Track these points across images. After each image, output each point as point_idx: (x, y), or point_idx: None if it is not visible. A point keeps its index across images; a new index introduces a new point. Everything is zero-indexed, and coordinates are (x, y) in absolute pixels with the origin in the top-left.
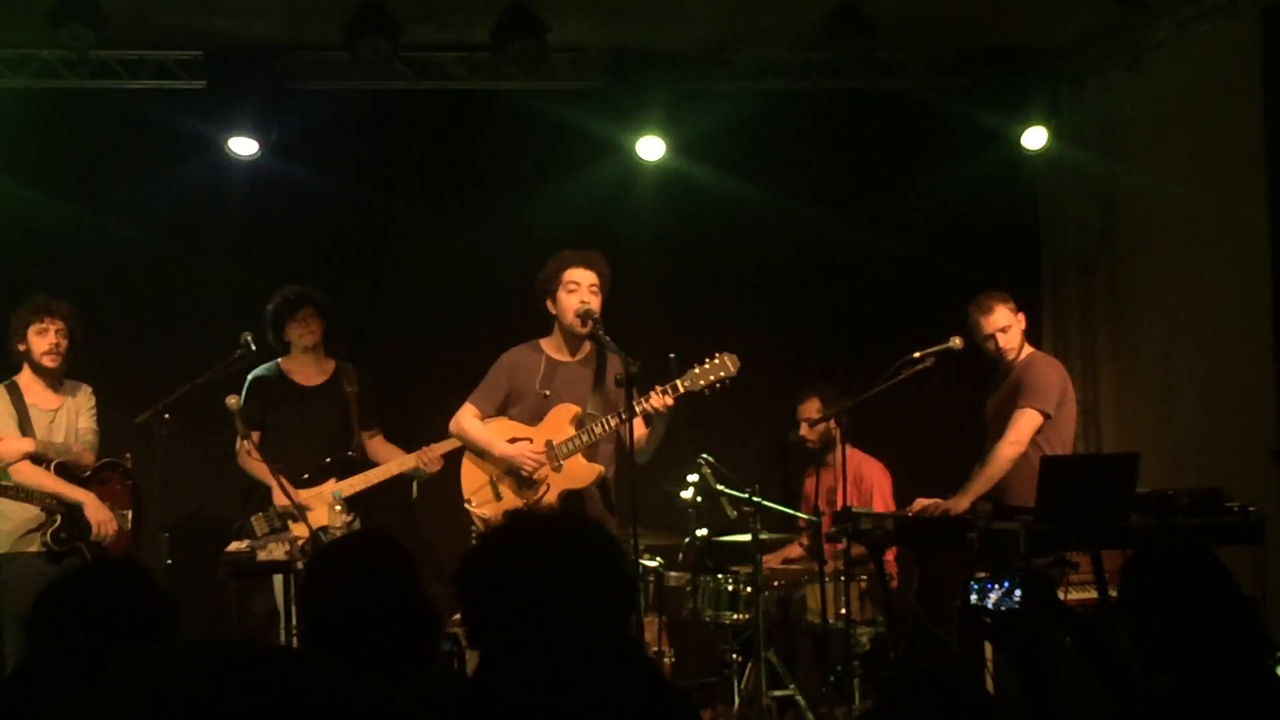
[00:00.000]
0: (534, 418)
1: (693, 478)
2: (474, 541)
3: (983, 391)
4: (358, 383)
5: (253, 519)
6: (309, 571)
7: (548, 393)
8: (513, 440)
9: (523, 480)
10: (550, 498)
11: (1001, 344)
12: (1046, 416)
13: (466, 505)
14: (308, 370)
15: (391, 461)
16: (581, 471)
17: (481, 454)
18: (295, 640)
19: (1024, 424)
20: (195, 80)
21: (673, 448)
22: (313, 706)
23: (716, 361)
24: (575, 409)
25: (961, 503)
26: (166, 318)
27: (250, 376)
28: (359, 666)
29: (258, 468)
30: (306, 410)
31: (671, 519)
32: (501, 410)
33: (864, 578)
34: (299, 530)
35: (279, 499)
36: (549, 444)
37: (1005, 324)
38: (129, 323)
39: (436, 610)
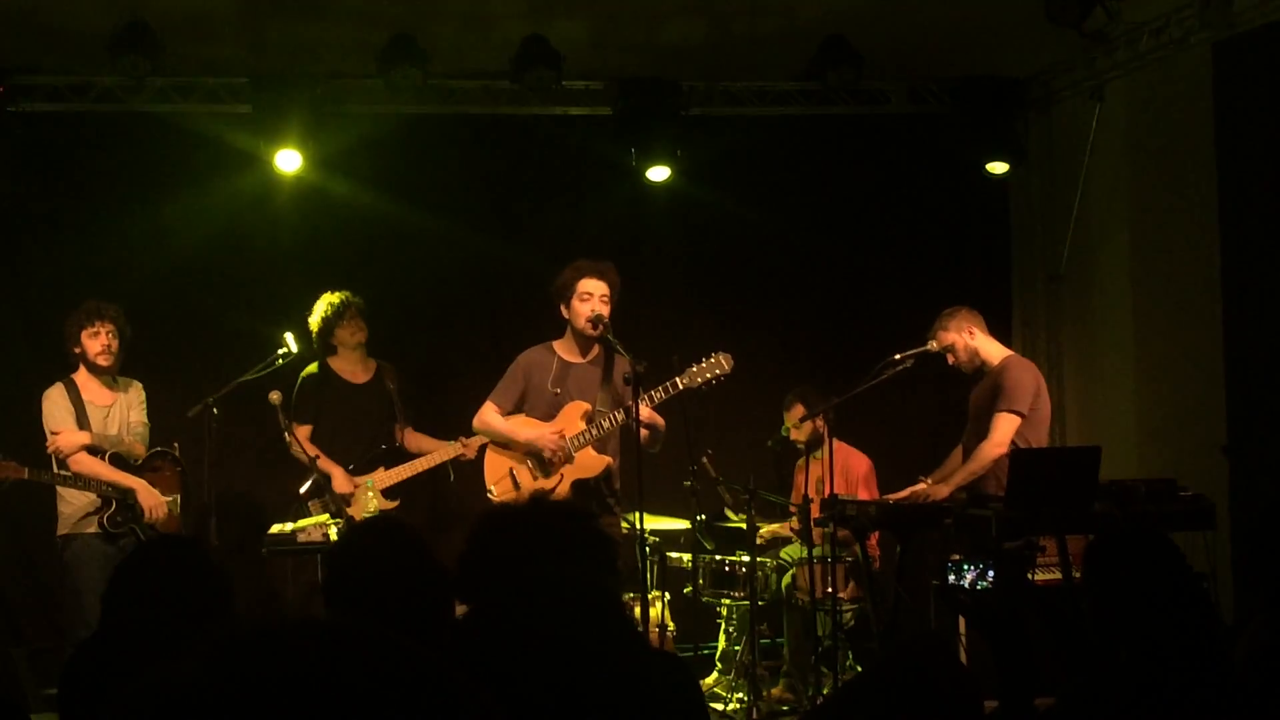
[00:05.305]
0: (547, 415)
1: (694, 469)
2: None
3: (957, 389)
4: (397, 380)
5: (310, 505)
6: (330, 564)
7: (559, 391)
8: None
9: (538, 470)
10: (564, 487)
11: (950, 361)
12: (1022, 416)
13: (489, 494)
14: (354, 369)
15: (435, 451)
16: (592, 463)
17: (506, 444)
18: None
19: (1004, 427)
20: (242, 104)
21: (678, 443)
22: (363, 670)
23: (713, 360)
24: (586, 405)
25: (942, 490)
26: (216, 319)
27: (301, 376)
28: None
29: (305, 458)
30: (353, 406)
31: (675, 505)
32: (518, 407)
33: (849, 559)
34: (353, 513)
35: (339, 486)
36: (562, 437)
37: (949, 342)
38: (182, 324)
39: (448, 578)
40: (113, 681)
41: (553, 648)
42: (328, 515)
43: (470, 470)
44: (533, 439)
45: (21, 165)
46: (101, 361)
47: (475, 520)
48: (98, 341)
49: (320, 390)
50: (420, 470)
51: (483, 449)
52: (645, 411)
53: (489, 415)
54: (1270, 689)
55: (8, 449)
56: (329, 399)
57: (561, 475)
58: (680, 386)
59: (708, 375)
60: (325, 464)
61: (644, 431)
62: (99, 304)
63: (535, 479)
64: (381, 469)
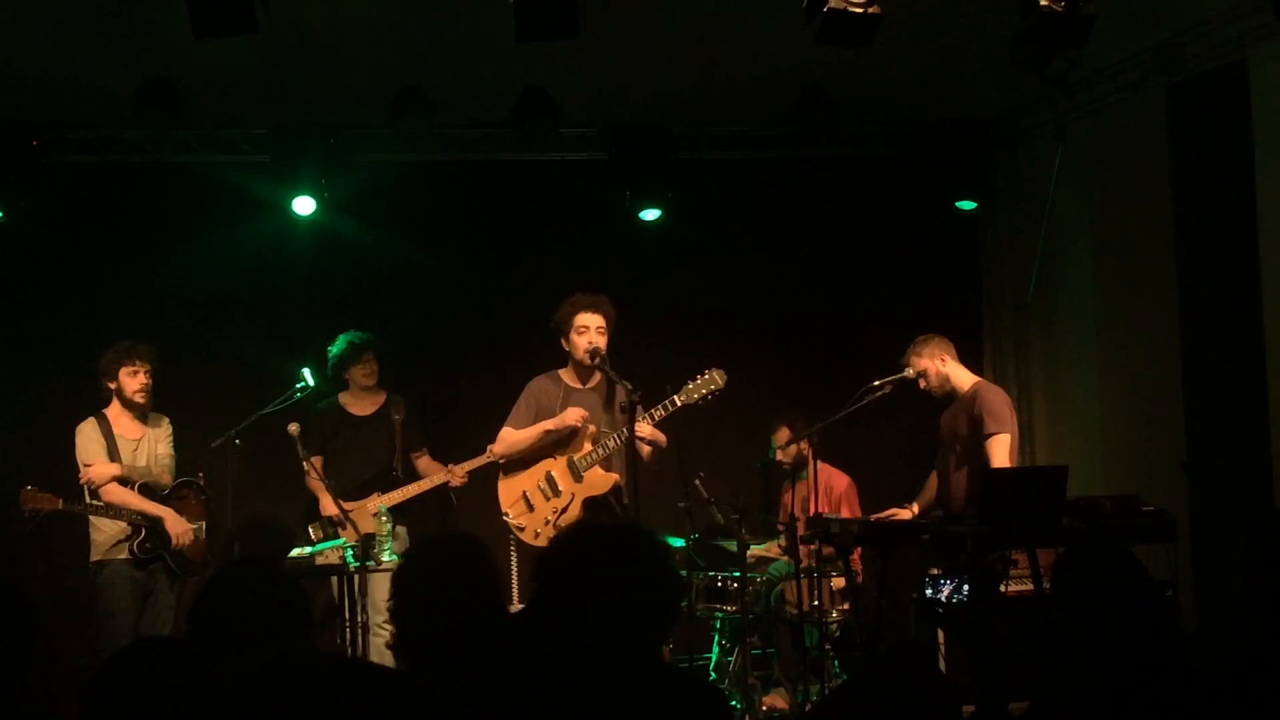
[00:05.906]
0: (556, 439)
1: (688, 490)
2: (512, 547)
3: (931, 414)
4: (405, 411)
5: (309, 527)
6: (407, 563)
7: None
8: (539, 461)
9: (550, 491)
10: (575, 505)
11: (921, 385)
12: (1010, 434)
13: (505, 517)
14: (362, 403)
15: (425, 479)
16: (600, 481)
17: (527, 453)
18: (352, 630)
19: (1000, 451)
20: (260, 154)
21: (672, 466)
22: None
23: (706, 377)
24: (591, 428)
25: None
26: (238, 355)
27: (314, 409)
28: (446, 648)
29: (314, 485)
30: (359, 436)
31: (669, 525)
32: None
33: (834, 574)
34: (348, 535)
35: (325, 509)
36: (570, 460)
37: (921, 368)
38: (207, 360)
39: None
40: (132, 700)
41: (597, 665)
42: (348, 539)
43: (473, 495)
44: (559, 420)
45: (55, 213)
46: (139, 399)
47: (560, 532)
48: (136, 380)
49: (329, 423)
50: (411, 495)
51: (491, 476)
52: (648, 429)
53: (507, 434)
54: (1231, 691)
55: (44, 482)
56: (337, 431)
57: (573, 495)
58: (678, 404)
59: (703, 391)
60: (320, 492)
61: (647, 449)
62: (136, 344)
63: (548, 499)
64: (377, 494)
